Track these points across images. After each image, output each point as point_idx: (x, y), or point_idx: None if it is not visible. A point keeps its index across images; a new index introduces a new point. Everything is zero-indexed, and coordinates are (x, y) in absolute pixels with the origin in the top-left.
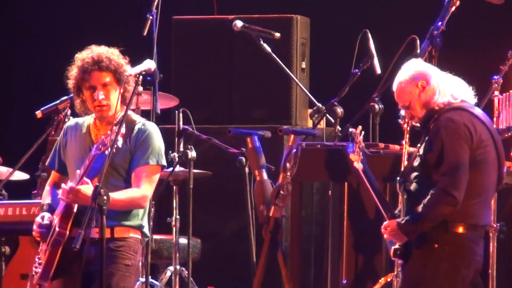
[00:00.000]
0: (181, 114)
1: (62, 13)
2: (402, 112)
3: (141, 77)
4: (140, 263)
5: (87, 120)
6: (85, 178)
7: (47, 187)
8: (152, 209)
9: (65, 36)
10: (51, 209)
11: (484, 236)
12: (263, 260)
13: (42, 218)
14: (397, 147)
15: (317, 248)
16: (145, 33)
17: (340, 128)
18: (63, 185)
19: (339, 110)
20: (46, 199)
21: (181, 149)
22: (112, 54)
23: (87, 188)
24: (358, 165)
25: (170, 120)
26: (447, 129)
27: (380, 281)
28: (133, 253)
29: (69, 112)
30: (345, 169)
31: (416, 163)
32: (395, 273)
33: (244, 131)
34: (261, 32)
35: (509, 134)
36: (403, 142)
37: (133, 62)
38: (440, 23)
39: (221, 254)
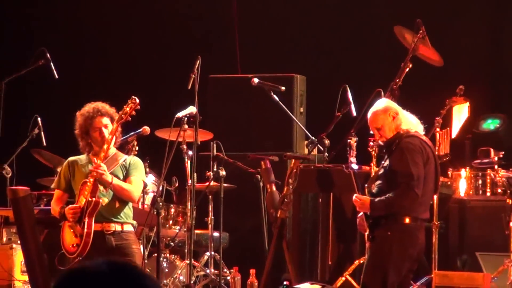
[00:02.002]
0: (215, 145)
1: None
2: (371, 143)
3: (186, 118)
4: None
5: (82, 157)
6: (102, 164)
7: (54, 202)
8: (194, 212)
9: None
10: (65, 206)
11: (425, 228)
12: (272, 248)
13: (73, 207)
14: (367, 167)
15: (311, 239)
16: (189, 87)
17: (327, 155)
18: (95, 162)
19: (327, 141)
20: (58, 205)
21: (215, 169)
22: (103, 104)
23: (107, 173)
24: (352, 166)
25: (207, 149)
26: (409, 149)
27: (355, 262)
28: (137, 240)
29: (135, 143)
30: (331, 183)
31: (380, 172)
32: (366, 256)
33: (259, 157)
34: (271, 86)
35: (446, 158)
36: (372, 164)
37: (182, 108)
38: (397, 79)
39: (242, 244)
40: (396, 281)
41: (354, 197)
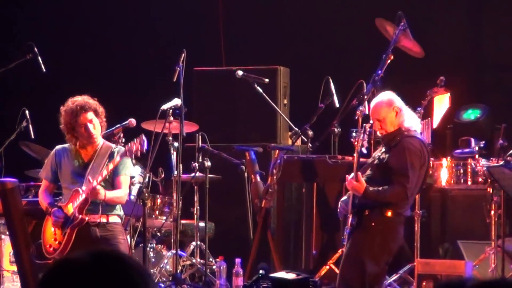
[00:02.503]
0: (200, 136)
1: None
2: (354, 134)
3: (171, 110)
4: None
5: (69, 147)
6: (94, 182)
7: (42, 193)
8: (180, 202)
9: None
10: (54, 205)
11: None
12: (257, 237)
13: (58, 213)
14: (350, 158)
15: (295, 229)
16: (174, 80)
17: (311, 145)
18: (90, 181)
19: (310, 132)
20: (46, 200)
21: (200, 160)
22: (86, 99)
23: (101, 190)
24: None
25: (192, 140)
26: (410, 151)
27: (338, 251)
28: (123, 231)
29: (122, 135)
30: (314, 174)
31: (374, 162)
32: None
33: (244, 148)
34: (255, 78)
35: (428, 148)
36: (354, 154)
37: (167, 100)
38: (379, 71)
39: (228, 234)
40: (374, 273)
41: (350, 176)
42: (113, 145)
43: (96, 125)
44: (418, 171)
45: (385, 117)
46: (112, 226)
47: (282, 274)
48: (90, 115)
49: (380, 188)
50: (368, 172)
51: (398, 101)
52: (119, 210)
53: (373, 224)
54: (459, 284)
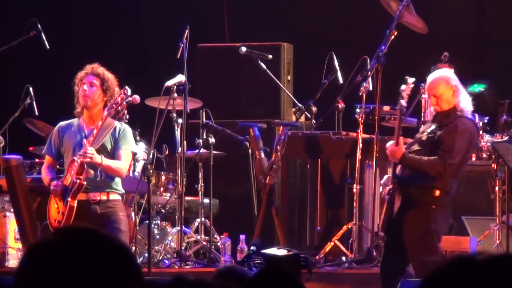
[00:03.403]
0: (204, 113)
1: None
2: (357, 110)
3: (175, 87)
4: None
5: (75, 121)
6: (89, 148)
7: (44, 169)
8: (184, 179)
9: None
10: (54, 179)
11: None
12: (262, 214)
13: (56, 183)
14: (354, 134)
15: (299, 205)
16: (178, 56)
17: (315, 121)
18: (84, 144)
19: (314, 108)
20: (48, 176)
21: (204, 137)
22: (106, 71)
23: (95, 153)
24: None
25: (196, 116)
26: (462, 132)
27: (343, 227)
28: (123, 208)
29: (126, 112)
30: (318, 150)
31: (423, 138)
32: (354, 221)
33: (248, 124)
34: (259, 54)
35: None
36: (358, 130)
37: (171, 77)
38: (383, 47)
39: (232, 210)
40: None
41: (390, 142)
42: (117, 122)
43: (95, 90)
44: (464, 153)
45: (442, 94)
46: (113, 203)
47: (273, 251)
48: (93, 79)
49: (421, 157)
50: (416, 147)
51: (455, 80)
52: (119, 187)
53: (433, 206)
54: (468, 259)
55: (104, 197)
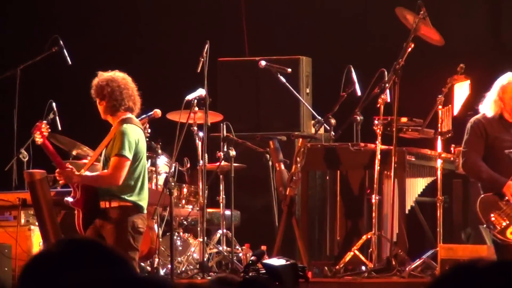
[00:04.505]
0: (224, 126)
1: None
2: (375, 121)
3: (196, 100)
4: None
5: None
6: (68, 167)
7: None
8: (206, 191)
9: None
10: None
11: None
12: (282, 225)
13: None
14: (372, 145)
15: (319, 216)
16: (198, 70)
17: (334, 133)
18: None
19: (333, 121)
20: None
21: (225, 149)
22: (98, 77)
23: (71, 172)
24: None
25: (217, 130)
26: None
27: (362, 237)
28: (124, 218)
29: (147, 125)
30: (337, 161)
31: None
32: (373, 231)
33: (268, 137)
34: (278, 68)
35: (449, 135)
36: (377, 142)
37: (192, 91)
38: (400, 59)
39: (253, 221)
40: None
41: None
42: (123, 125)
43: (99, 106)
44: None
45: None
46: (113, 211)
47: (272, 261)
48: (94, 96)
49: None
50: None
51: None
52: (121, 194)
53: None
54: (470, 265)
55: (106, 205)
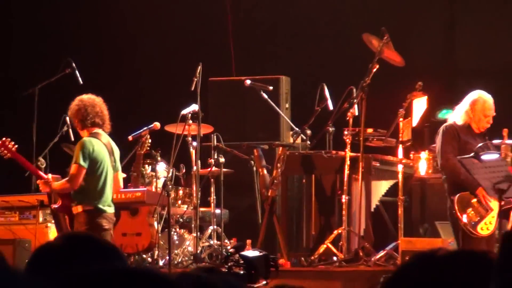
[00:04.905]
0: (215, 136)
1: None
2: (345, 132)
3: (190, 114)
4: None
5: None
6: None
7: None
8: (199, 193)
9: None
10: None
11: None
12: (265, 222)
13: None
14: (342, 153)
15: (297, 214)
16: (192, 88)
17: (309, 142)
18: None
19: (308, 132)
20: None
21: (215, 157)
22: (71, 106)
23: (45, 183)
24: None
25: (208, 140)
26: None
27: (334, 232)
28: (90, 221)
29: (148, 136)
30: (313, 167)
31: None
32: (343, 227)
33: (252, 145)
34: (261, 86)
35: (409, 143)
36: (346, 150)
37: (186, 106)
38: (367, 78)
39: (240, 219)
40: None
41: None
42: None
43: (74, 123)
44: None
45: None
46: (80, 215)
47: (248, 252)
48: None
49: None
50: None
51: None
52: (84, 199)
53: None
54: (430, 254)
55: (76, 210)
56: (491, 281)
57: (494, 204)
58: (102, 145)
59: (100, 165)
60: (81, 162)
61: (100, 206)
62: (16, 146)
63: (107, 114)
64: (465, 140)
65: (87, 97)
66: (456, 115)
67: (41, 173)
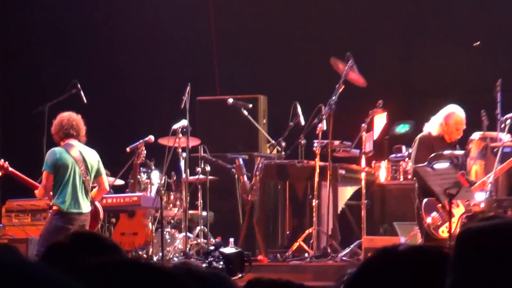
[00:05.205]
0: (201, 148)
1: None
2: (315, 144)
3: (180, 129)
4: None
5: None
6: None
7: None
8: (188, 197)
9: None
10: None
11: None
12: (245, 223)
13: None
14: (312, 162)
15: (273, 216)
16: (182, 106)
17: (284, 153)
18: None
19: (283, 144)
20: None
21: (202, 166)
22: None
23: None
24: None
25: (196, 151)
26: None
27: (306, 232)
28: (48, 220)
29: (143, 148)
30: (287, 174)
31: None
32: (314, 227)
33: (234, 156)
34: (242, 104)
35: (370, 154)
36: (316, 160)
37: (177, 121)
38: (334, 97)
39: (223, 220)
40: None
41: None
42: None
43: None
44: None
45: None
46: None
47: (225, 249)
48: None
49: None
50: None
51: None
52: (53, 200)
53: None
54: (393, 249)
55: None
56: (447, 276)
57: (457, 210)
58: (66, 153)
59: (62, 171)
60: (46, 167)
61: (61, 206)
62: (7, 164)
63: (83, 127)
64: (437, 150)
65: (65, 114)
66: (431, 126)
67: (35, 183)
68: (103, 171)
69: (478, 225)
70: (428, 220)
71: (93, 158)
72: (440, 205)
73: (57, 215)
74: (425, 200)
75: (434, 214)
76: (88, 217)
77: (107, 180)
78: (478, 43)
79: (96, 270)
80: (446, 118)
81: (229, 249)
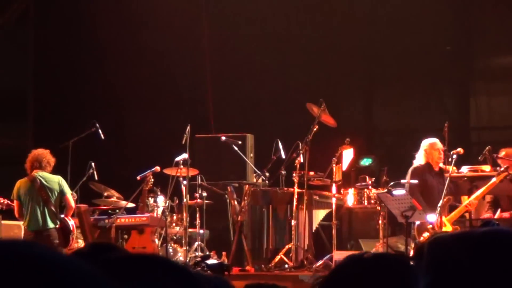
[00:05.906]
0: (199, 177)
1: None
2: (294, 174)
3: (181, 161)
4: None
5: None
6: None
7: None
8: (188, 218)
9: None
10: None
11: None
12: (236, 239)
13: None
14: (291, 189)
15: (259, 233)
16: (183, 142)
17: (267, 182)
18: None
19: (267, 174)
20: None
21: (200, 192)
22: None
23: None
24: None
25: (195, 180)
26: None
27: (286, 247)
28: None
29: (151, 177)
30: (270, 199)
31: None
32: (293, 243)
33: (227, 183)
34: (233, 141)
35: (340, 182)
36: (295, 187)
37: (179, 155)
38: (309, 135)
39: (218, 237)
40: None
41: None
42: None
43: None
44: None
45: None
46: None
47: (209, 261)
48: None
49: None
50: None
51: None
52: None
53: None
54: (359, 256)
55: None
56: (420, 279)
57: (445, 229)
58: (26, 182)
59: (23, 198)
60: (13, 196)
61: (26, 226)
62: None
63: (49, 158)
64: (425, 178)
65: (37, 150)
66: (418, 159)
67: None
68: (67, 190)
69: (445, 233)
70: (421, 239)
71: (55, 182)
72: (430, 226)
73: (29, 235)
74: (417, 222)
75: (426, 234)
76: (54, 232)
77: (72, 198)
78: (449, 47)
79: (121, 262)
80: (429, 146)
81: (212, 261)
